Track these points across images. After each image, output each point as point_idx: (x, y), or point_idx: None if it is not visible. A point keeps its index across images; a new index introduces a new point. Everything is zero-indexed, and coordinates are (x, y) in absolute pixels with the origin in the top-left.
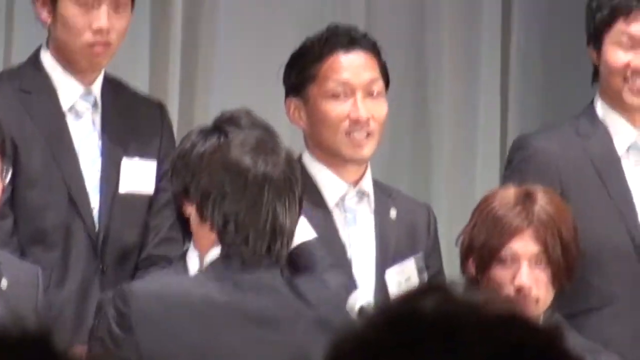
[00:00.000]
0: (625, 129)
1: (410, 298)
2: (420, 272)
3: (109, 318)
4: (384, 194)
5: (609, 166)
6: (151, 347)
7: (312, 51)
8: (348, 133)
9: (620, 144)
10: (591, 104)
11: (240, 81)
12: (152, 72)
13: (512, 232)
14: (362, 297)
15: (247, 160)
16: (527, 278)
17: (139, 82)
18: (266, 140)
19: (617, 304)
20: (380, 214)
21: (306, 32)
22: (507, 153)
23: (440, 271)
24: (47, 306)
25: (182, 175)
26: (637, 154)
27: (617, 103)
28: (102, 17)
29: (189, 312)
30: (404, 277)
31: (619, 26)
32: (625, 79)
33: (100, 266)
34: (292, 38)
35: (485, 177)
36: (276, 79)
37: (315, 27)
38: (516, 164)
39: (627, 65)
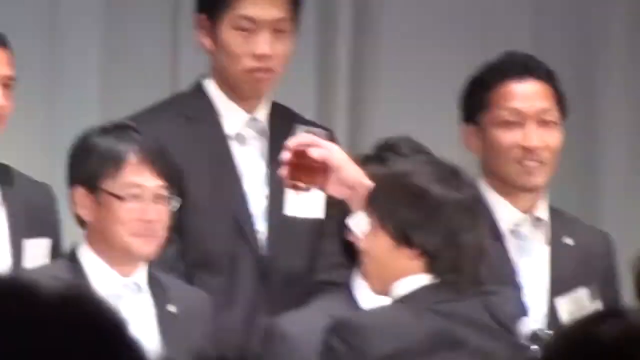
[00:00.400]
0: None
1: (588, 324)
2: (593, 301)
3: (334, 352)
4: (560, 222)
5: None
6: None
7: (486, 78)
8: (519, 161)
9: None
10: None
11: (405, 107)
12: (319, 99)
13: None
14: (533, 323)
15: (440, 189)
16: None
17: (305, 109)
18: (446, 166)
19: None
20: (555, 241)
21: (469, 60)
22: None
23: (616, 302)
24: (215, 332)
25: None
26: None
27: None
28: (262, 43)
29: (418, 347)
30: (576, 306)
31: None
32: None
33: (267, 292)
34: (455, 65)
35: None
36: (440, 106)
37: (479, 55)
38: None
39: None
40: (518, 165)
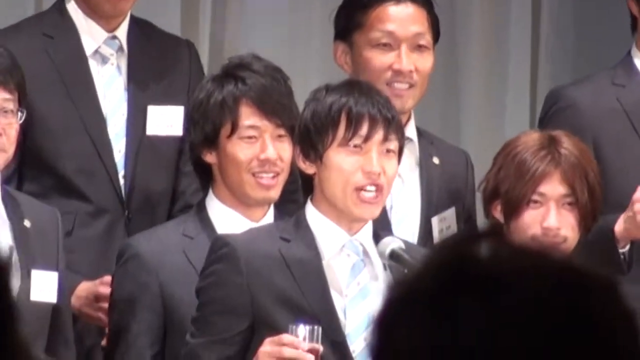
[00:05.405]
0: None
1: (463, 242)
2: (459, 221)
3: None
4: (427, 141)
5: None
6: None
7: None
8: (389, 83)
9: None
10: (628, 55)
11: (273, 22)
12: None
13: (540, 176)
14: (392, 242)
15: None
16: (555, 220)
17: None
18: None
19: None
20: (424, 161)
21: None
22: (542, 104)
23: (473, 218)
24: (67, 248)
25: (201, 124)
26: None
27: None
28: None
29: None
30: (445, 225)
31: None
32: None
33: (126, 212)
34: None
35: (514, 129)
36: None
37: None
38: (550, 116)
39: None
40: (387, 87)
